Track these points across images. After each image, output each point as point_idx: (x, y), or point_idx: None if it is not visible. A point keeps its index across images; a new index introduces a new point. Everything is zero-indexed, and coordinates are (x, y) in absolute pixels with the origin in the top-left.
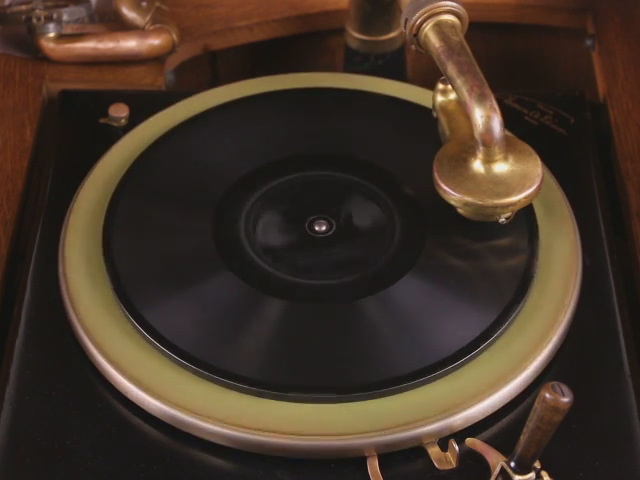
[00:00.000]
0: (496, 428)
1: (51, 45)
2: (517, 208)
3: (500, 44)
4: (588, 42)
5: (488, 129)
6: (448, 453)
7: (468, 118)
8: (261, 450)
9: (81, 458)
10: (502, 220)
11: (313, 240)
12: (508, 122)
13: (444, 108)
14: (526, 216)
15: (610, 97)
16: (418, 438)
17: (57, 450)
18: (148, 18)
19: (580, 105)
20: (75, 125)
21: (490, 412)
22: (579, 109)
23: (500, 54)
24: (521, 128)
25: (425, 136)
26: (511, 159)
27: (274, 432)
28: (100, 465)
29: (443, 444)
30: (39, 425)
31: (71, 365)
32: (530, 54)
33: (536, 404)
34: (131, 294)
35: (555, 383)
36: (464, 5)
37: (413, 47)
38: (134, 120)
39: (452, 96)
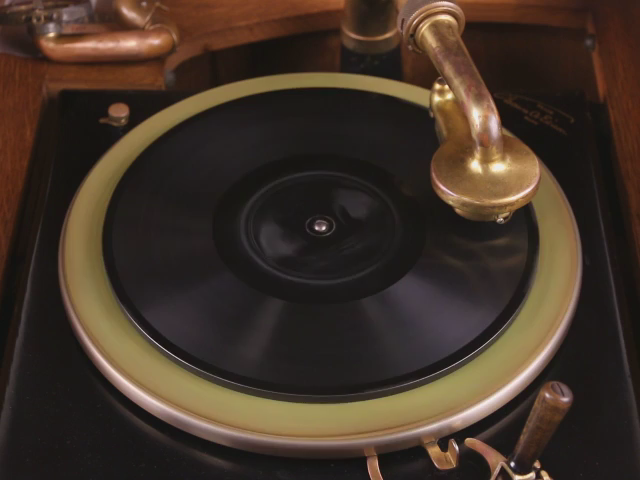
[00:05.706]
0: (496, 428)
1: (51, 45)
2: (515, 208)
3: (500, 44)
4: (588, 42)
5: (485, 129)
6: (448, 453)
7: (465, 118)
8: (261, 450)
9: (81, 458)
10: (500, 220)
11: (313, 240)
12: (508, 122)
13: (441, 108)
14: (526, 216)
15: (610, 97)
16: (418, 438)
17: (57, 450)
18: (148, 18)
19: (580, 105)
20: (75, 125)
21: (490, 412)
22: (579, 109)
23: (500, 54)
24: (521, 128)
25: (424, 136)
26: (509, 159)
27: (274, 432)
28: (100, 465)
29: (443, 444)
30: (39, 425)
31: (71, 365)
32: (530, 54)
33: (536, 404)
34: (131, 294)
35: (555, 383)
36: (464, 5)
37: (410, 48)
38: (134, 120)
39: (449, 96)
